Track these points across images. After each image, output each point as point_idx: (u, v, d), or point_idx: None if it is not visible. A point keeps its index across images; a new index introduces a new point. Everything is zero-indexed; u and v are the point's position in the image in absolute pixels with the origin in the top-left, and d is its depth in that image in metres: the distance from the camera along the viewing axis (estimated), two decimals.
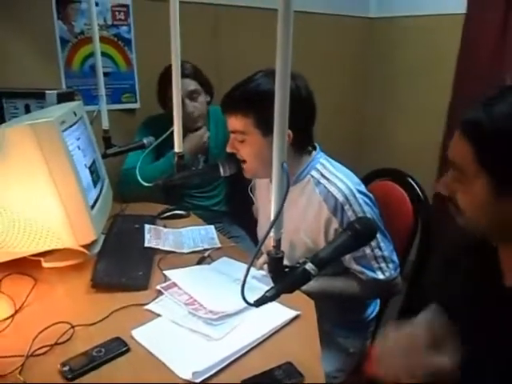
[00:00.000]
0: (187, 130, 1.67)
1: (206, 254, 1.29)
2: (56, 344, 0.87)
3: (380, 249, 1.12)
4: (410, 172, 1.38)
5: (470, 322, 0.78)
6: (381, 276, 1.13)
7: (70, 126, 1.18)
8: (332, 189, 1.12)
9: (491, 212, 0.68)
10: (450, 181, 0.72)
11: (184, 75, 1.57)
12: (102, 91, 1.60)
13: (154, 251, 1.27)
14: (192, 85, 1.75)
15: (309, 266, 0.75)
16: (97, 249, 1.26)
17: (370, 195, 1.16)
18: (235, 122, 1.13)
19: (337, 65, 2.68)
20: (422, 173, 1.49)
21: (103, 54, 1.80)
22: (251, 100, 1.09)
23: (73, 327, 0.92)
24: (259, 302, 0.74)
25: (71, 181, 1.07)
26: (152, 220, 1.49)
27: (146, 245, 1.29)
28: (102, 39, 1.82)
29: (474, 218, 0.70)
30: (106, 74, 1.87)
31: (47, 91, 1.47)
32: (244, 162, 1.19)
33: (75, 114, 1.26)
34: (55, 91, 1.48)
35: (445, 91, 2.35)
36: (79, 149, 1.21)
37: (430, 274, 0.97)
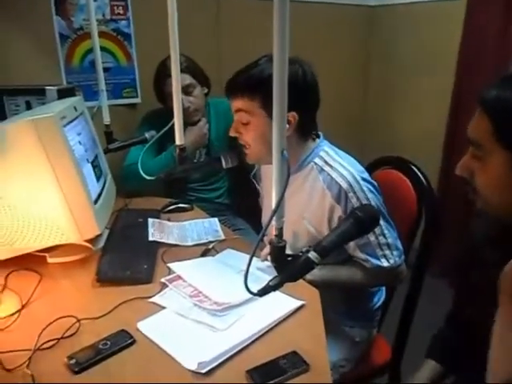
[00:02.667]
0: (186, 124, 1.66)
1: (210, 246, 1.29)
2: (62, 338, 0.88)
3: (384, 236, 1.11)
4: (414, 160, 1.37)
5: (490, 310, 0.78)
6: (385, 263, 1.12)
7: (71, 122, 1.17)
8: (335, 176, 1.11)
9: (507, 188, 0.68)
10: (468, 160, 0.72)
11: None
12: (103, 86, 1.60)
13: (157, 245, 1.28)
14: (186, 79, 1.73)
15: (312, 255, 0.74)
16: (101, 243, 1.27)
17: (374, 182, 1.16)
18: (241, 102, 1.12)
19: (338, 54, 2.66)
20: (425, 160, 1.48)
21: (103, 49, 1.80)
22: (256, 84, 1.08)
23: (78, 321, 0.92)
24: (262, 292, 0.74)
25: (73, 175, 1.07)
26: (156, 214, 1.50)
27: (150, 239, 1.29)
28: (101, 34, 1.82)
29: (491, 196, 0.70)
30: (106, 70, 1.87)
31: (47, 87, 1.47)
32: (248, 146, 1.18)
33: (76, 110, 1.25)
34: (55, 87, 1.48)
35: (448, 78, 2.33)
36: (80, 144, 1.21)
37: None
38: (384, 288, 1.37)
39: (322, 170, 1.15)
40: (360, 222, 0.77)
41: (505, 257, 0.79)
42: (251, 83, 1.09)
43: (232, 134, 1.18)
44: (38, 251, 1.16)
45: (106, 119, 1.60)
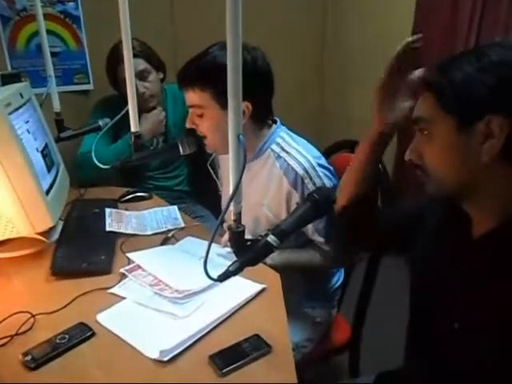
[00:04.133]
0: (141, 110, 1.61)
1: (170, 235, 1.27)
2: (16, 334, 0.85)
3: None
4: None
5: (438, 280, 0.80)
6: None
7: (17, 109, 1.11)
8: (292, 162, 1.12)
9: (457, 158, 0.69)
10: (416, 141, 0.74)
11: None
12: (51, 72, 1.52)
13: (116, 235, 1.25)
14: (141, 64, 1.67)
15: (270, 238, 0.75)
16: (55, 236, 1.22)
17: (330, 168, 1.17)
18: (193, 97, 1.11)
19: (294, 40, 2.66)
20: None
21: (50, 33, 1.71)
22: (207, 73, 1.06)
23: (33, 316, 0.89)
24: (222, 277, 0.74)
25: (21, 165, 1.02)
26: (113, 204, 1.46)
27: (108, 229, 1.26)
28: (47, 16, 1.73)
29: (440, 169, 0.71)
30: (54, 54, 1.78)
31: None
32: (205, 137, 1.17)
33: (22, 96, 1.19)
34: None
35: None
36: (29, 132, 1.15)
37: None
38: (343, 268, 1.40)
39: (278, 156, 1.16)
40: (317, 204, 0.79)
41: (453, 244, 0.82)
42: (201, 74, 1.08)
43: (188, 125, 1.17)
44: None
45: (56, 106, 1.53)
